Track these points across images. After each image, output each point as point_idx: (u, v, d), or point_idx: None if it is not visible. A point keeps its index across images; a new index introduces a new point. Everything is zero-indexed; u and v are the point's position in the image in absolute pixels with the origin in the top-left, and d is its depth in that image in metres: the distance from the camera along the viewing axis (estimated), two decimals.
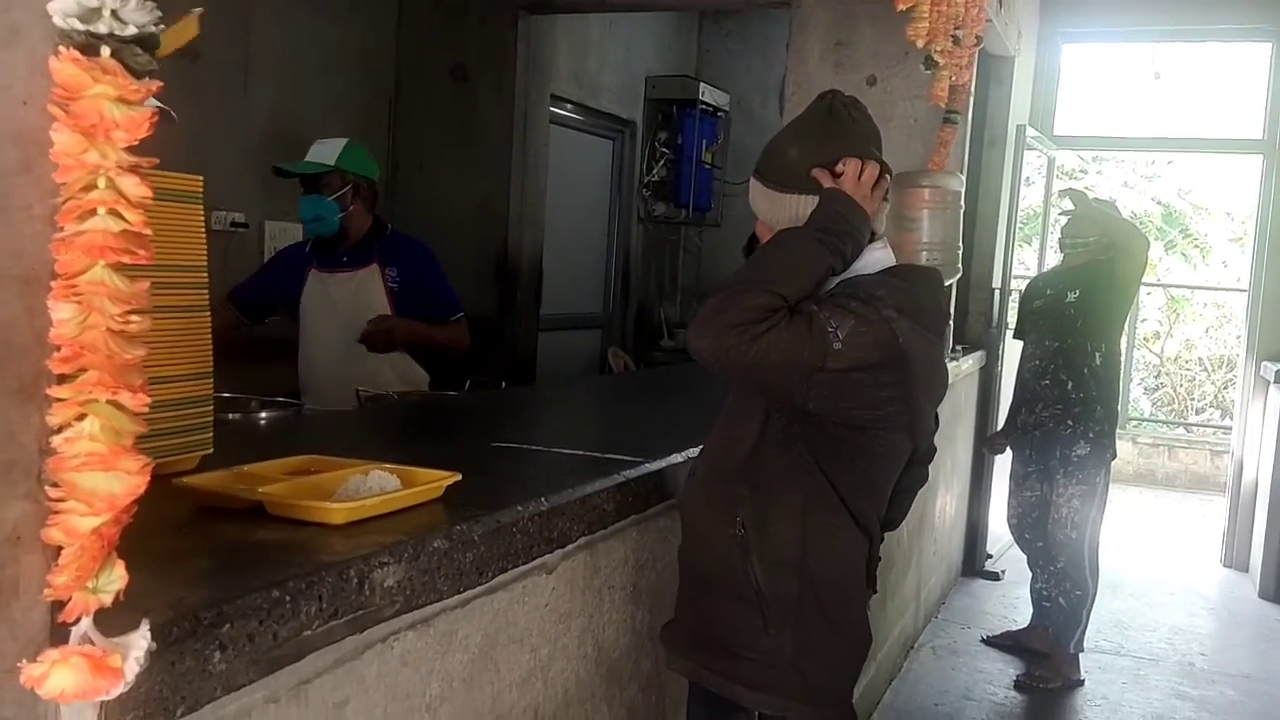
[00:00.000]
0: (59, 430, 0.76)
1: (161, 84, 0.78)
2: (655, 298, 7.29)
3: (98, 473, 0.76)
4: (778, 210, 1.69)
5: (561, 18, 5.55)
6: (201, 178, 1.54)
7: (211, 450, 1.54)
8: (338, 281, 3.24)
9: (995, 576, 5.48)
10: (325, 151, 3.27)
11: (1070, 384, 4.09)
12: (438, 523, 1.30)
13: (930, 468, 4.56)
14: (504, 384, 3.07)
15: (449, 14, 5.27)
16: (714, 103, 6.92)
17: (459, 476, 1.43)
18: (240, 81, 4.61)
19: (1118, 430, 4.23)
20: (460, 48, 5.30)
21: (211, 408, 1.55)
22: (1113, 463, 4.15)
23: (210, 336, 1.55)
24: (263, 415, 2.15)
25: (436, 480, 1.40)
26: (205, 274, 1.53)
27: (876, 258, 1.68)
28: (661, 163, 6.85)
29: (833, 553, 1.65)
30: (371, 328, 3.12)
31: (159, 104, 2.16)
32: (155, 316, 1.45)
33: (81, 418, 0.76)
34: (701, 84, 6.85)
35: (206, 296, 1.54)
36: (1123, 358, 4.34)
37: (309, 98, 4.89)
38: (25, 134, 0.75)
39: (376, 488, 1.33)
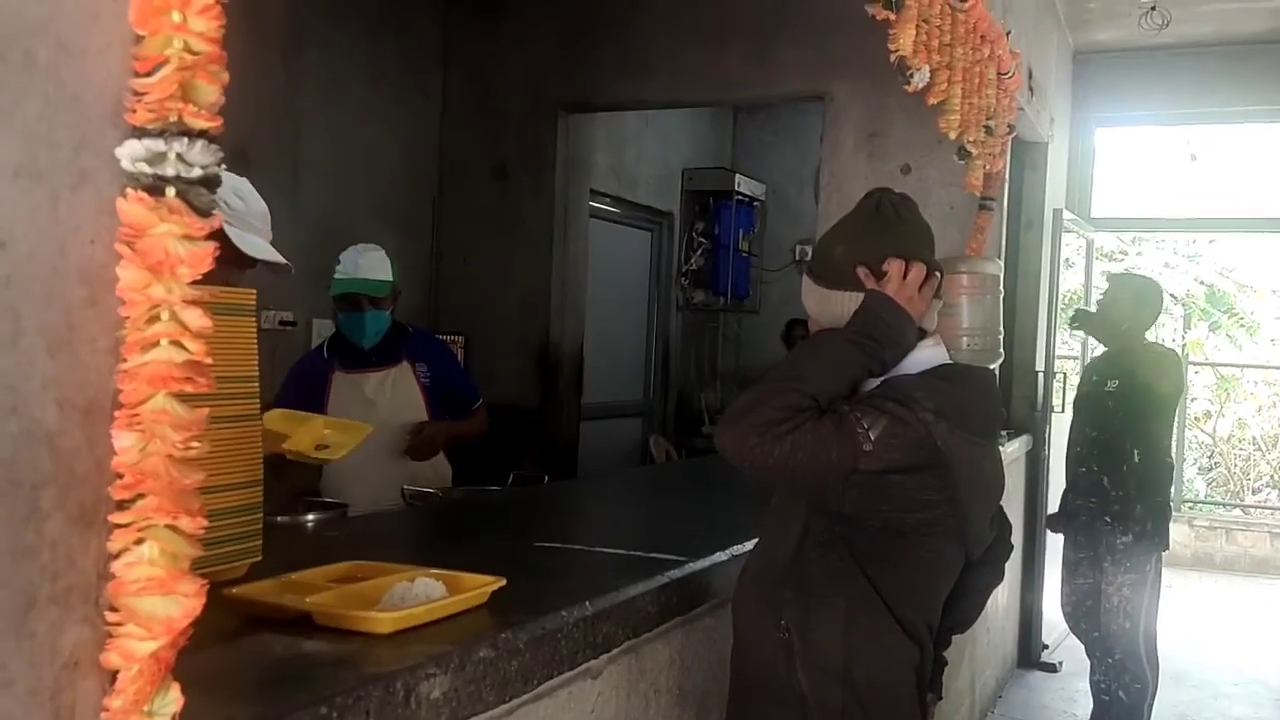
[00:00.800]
0: (118, 555, 0.78)
1: (223, 218, 0.81)
2: (695, 385, 7.31)
3: (156, 597, 0.78)
4: (825, 307, 1.70)
5: (599, 115, 5.69)
6: (255, 291, 1.59)
7: (260, 558, 1.56)
8: (371, 382, 3.27)
9: (1053, 668, 5.32)
10: (376, 264, 3.30)
11: (1106, 480, 4.02)
12: (483, 630, 1.30)
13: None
14: (546, 478, 3.07)
15: (490, 115, 5.43)
16: (749, 193, 7.02)
17: (503, 581, 1.44)
18: (290, 185, 4.77)
19: (1173, 514, 4.14)
20: (501, 147, 5.44)
21: (261, 515, 1.57)
22: (1168, 549, 4.05)
23: (260, 444, 1.58)
24: (309, 518, 2.17)
25: (481, 587, 1.41)
26: (256, 384, 1.57)
27: (926, 356, 1.66)
28: (699, 252, 6.94)
29: (878, 659, 1.61)
30: (415, 440, 3.16)
31: (280, 259, 2.20)
32: (210, 427, 1.49)
33: (140, 542, 0.78)
34: (737, 175, 6.96)
35: (258, 406, 1.57)
36: (1174, 446, 4.23)
37: (355, 198, 5.04)
38: (92, 271, 0.79)
39: (422, 595, 1.34)
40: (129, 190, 0.78)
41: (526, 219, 5.40)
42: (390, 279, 3.28)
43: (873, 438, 1.51)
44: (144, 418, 0.78)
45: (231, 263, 2.27)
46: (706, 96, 5.49)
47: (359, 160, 5.08)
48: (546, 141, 5.39)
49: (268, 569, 1.62)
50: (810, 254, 1.78)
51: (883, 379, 1.62)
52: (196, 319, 0.80)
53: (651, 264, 6.88)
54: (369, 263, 3.29)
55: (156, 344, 0.79)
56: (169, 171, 0.78)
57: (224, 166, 0.82)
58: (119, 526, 0.78)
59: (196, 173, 0.79)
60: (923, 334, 1.67)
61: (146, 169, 0.78)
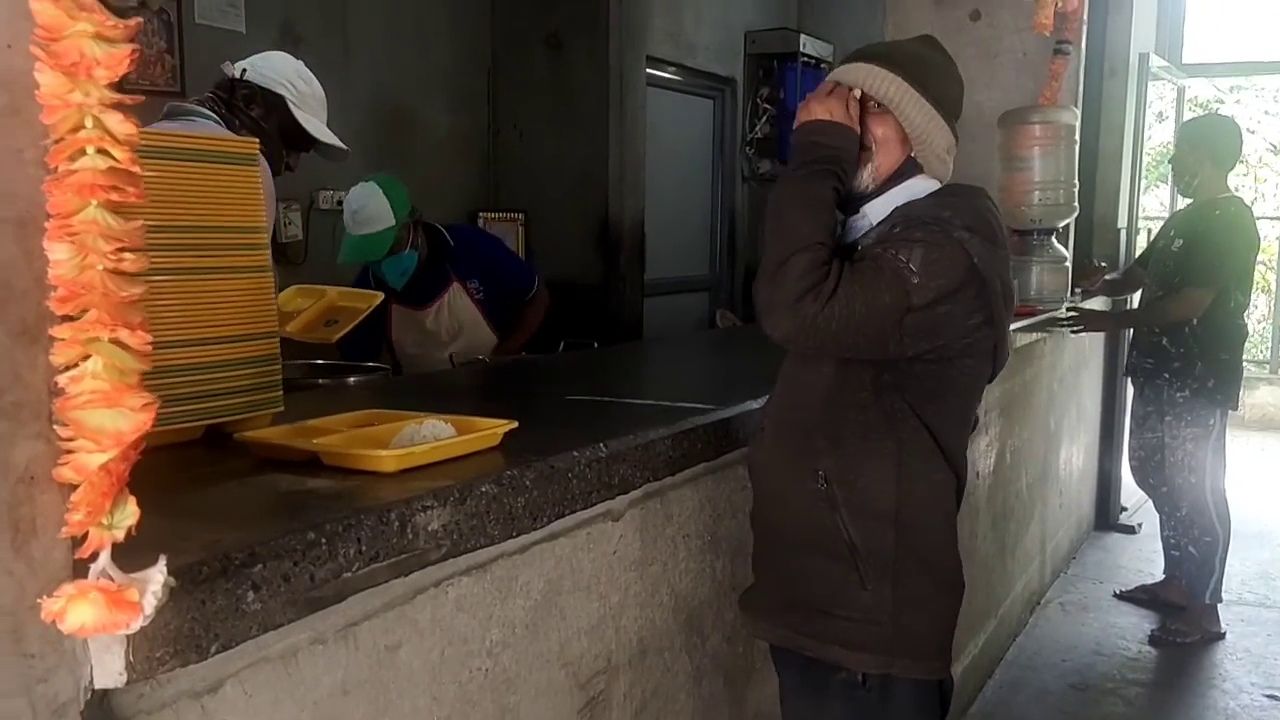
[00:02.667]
0: (65, 370, 0.78)
1: (141, 21, 0.77)
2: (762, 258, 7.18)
3: (103, 410, 0.77)
4: (933, 131, 1.59)
5: None
6: (256, 140, 1.56)
7: (282, 409, 1.57)
8: (429, 315, 3.25)
9: (1131, 530, 5.24)
10: (372, 215, 3.13)
11: (1165, 340, 3.87)
12: (489, 469, 1.29)
13: (1052, 418, 4.38)
14: (596, 344, 3.06)
15: None
16: (816, 54, 6.74)
17: (515, 424, 1.42)
18: (341, 63, 4.72)
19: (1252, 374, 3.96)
20: (553, 14, 5.30)
21: (278, 366, 1.58)
22: (1236, 409, 3.91)
23: (273, 296, 1.58)
24: (351, 379, 2.20)
25: (491, 428, 1.40)
26: (264, 235, 1.56)
27: (924, 184, 1.62)
28: (764, 119, 6.73)
29: (929, 497, 1.58)
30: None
31: (340, 143, 2.19)
32: (216, 277, 1.49)
33: (86, 358, 0.77)
34: (803, 36, 6.68)
35: (267, 257, 1.56)
36: (1246, 310, 3.99)
37: (408, 74, 4.98)
38: (12, 78, 0.76)
39: (430, 436, 1.34)
40: None
41: (581, 90, 5.29)
42: (391, 223, 3.10)
43: (915, 268, 1.46)
44: (76, 228, 0.76)
45: (293, 143, 2.27)
46: None
47: (409, 35, 4.99)
48: (599, 7, 5.23)
49: (296, 419, 1.64)
50: (910, 58, 1.62)
51: (894, 209, 1.57)
52: (120, 124, 0.77)
53: (714, 133, 6.71)
54: (365, 217, 3.13)
55: (83, 152, 0.76)
56: None
57: None
58: (61, 340, 0.77)
59: None
60: (906, 174, 1.62)
61: None
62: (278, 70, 2.28)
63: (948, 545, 1.64)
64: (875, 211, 1.61)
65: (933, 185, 1.63)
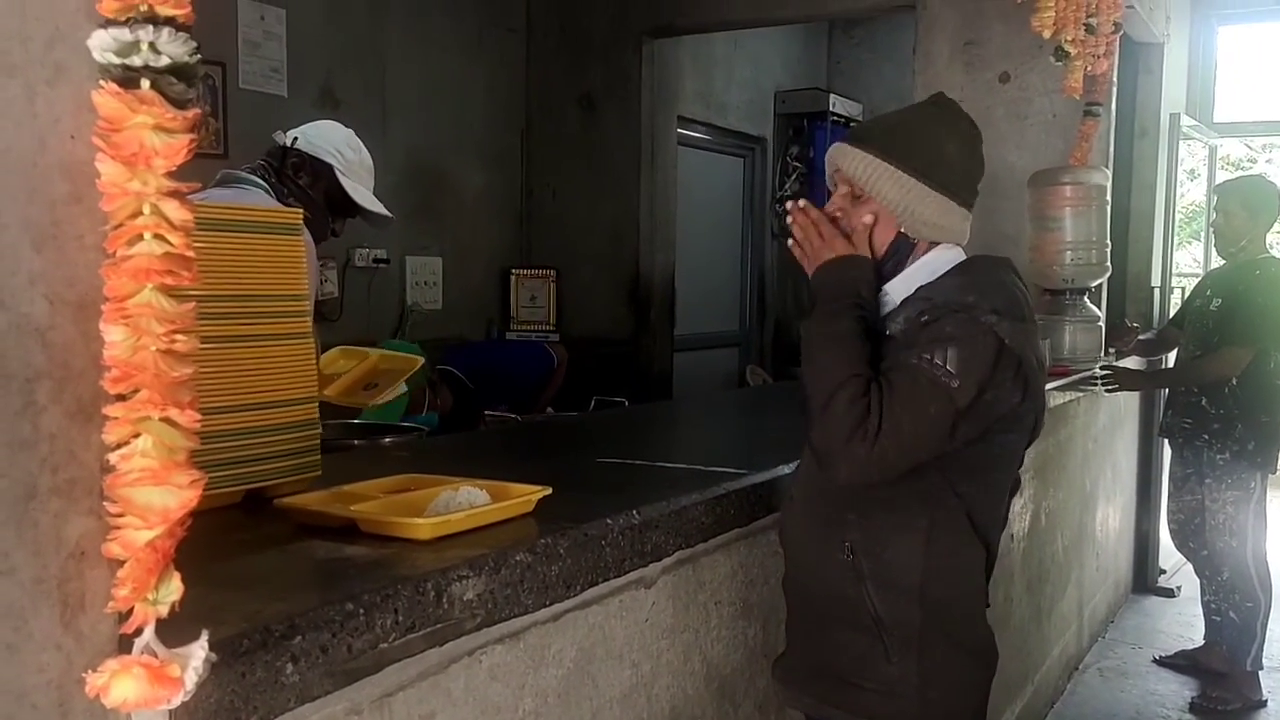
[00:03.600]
0: (116, 448, 0.80)
1: (200, 112, 0.81)
2: (793, 313, 7.20)
3: (151, 488, 0.79)
4: (914, 202, 1.57)
5: (686, 39, 5.58)
6: (301, 211, 1.60)
7: (320, 473, 1.59)
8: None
9: (1169, 593, 5.14)
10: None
11: (1204, 400, 3.82)
12: (524, 537, 1.30)
13: (1088, 479, 4.32)
14: (625, 402, 3.07)
15: (575, 45, 5.38)
16: (846, 113, 6.81)
17: (549, 490, 1.43)
18: (379, 124, 4.82)
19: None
20: (587, 77, 5.39)
21: (318, 431, 1.60)
22: (1276, 472, 3.85)
23: (314, 362, 1.60)
24: (387, 440, 2.22)
25: (525, 496, 1.41)
26: (307, 303, 1.59)
27: (945, 257, 1.60)
28: (794, 176, 6.78)
29: (957, 572, 1.57)
30: None
31: (386, 212, 2.25)
32: (260, 344, 1.52)
33: (136, 436, 0.79)
34: (832, 95, 6.75)
35: (309, 324, 1.59)
36: None
37: (444, 134, 5.07)
38: (74, 166, 0.79)
39: (465, 503, 1.35)
40: (101, 82, 0.78)
41: (614, 150, 5.36)
42: (403, 390, 3.04)
43: (952, 370, 1.44)
44: (130, 311, 0.79)
45: (339, 210, 2.33)
46: (793, 13, 5.31)
47: (445, 96, 5.10)
48: (631, 69, 5.32)
49: (331, 485, 1.65)
50: (885, 132, 1.63)
51: (913, 292, 1.56)
52: (176, 211, 0.80)
53: (744, 191, 6.77)
54: None
55: (140, 238, 0.79)
56: (138, 61, 0.78)
57: (198, 56, 0.81)
58: (114, 419, 0.79)
59: (165, 61, 0.78)
60: (916, 249, 1.61)
61: (116, 59, 0.78)
62: (327, 139, 2.33)
63: (977, 619, 1.62)
64: (897, 291, 1.60)
65: (954, 256, 1.61)
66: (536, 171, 5.52)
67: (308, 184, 2.28)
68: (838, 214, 1.63)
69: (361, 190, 2.32)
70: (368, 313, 4.71)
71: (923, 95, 4.67)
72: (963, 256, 1.63)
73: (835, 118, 6.70)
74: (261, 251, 1.52)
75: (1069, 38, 3.47)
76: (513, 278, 5.42)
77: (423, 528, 1.26)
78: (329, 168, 2.28)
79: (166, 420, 0.80)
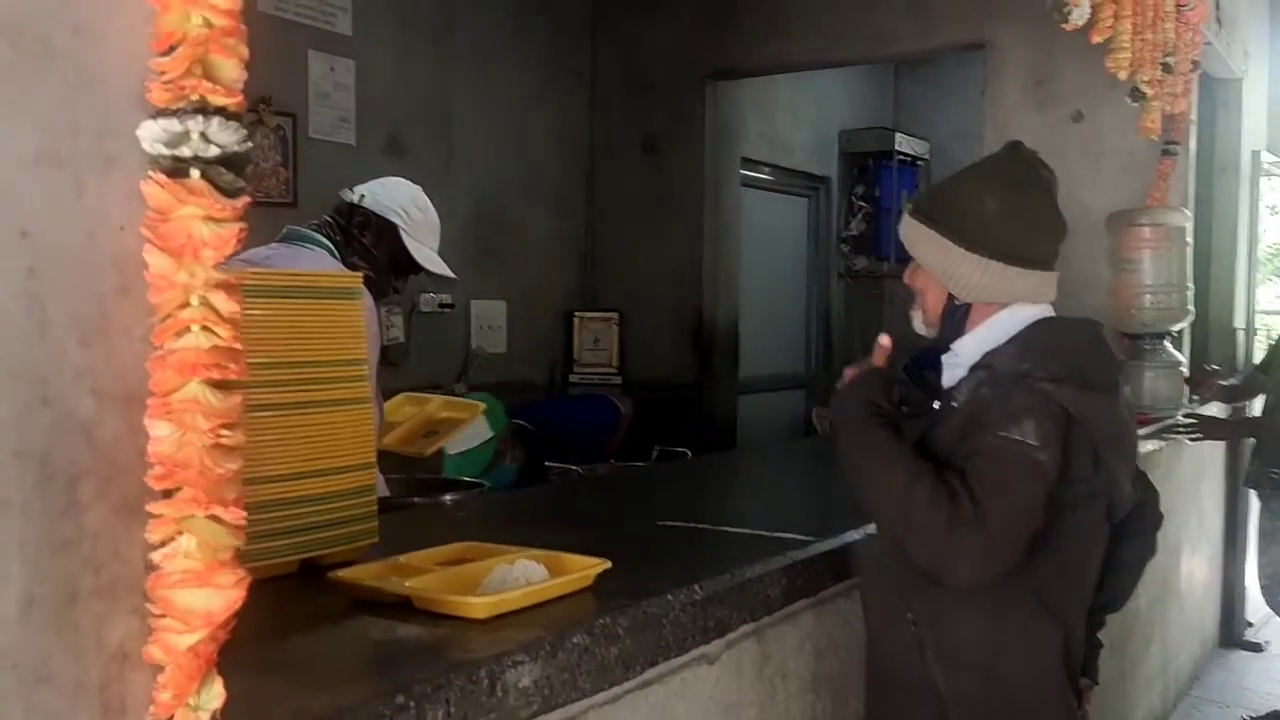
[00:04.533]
0: (159, 546, 0.77)
1: (250, 200, 0.79)
2: (859, 353, 7.08)
3: (194, 590, 0.76)
4: (953, 264, 1.53)
5: (748, 82, 5.56)
6: (361, 275, 1.59)
7: (376, 539, 1.57)
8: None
9: (1257, 648, 4.91)
10: (473, 426, 2.98)
11: None
12: (582, 615, 1.26)
13: (1171, 531, 4.14)
14: (689, 453, 3.02)
15: (638, 89, 5.39)
16: (912, 152, 6.73)
17: (607, 564, 1.39)
18: (444, 171, 4.86)
19: None
20: (650, 120, 5.39)
21: (375, 497, 1.58)
22: None
23: (372, 428, 1.58)
24: (447, 498, 2.19)
25: (583, 570, 1.37)
26: (365, 368, 1.57)
27: (1018, 316, 1.53)
28: (860, 216, 6.71)
29: (1027, 652, 1.49)
30: None
31: (449, 273, 2.25)
32: (318, 411, 1.51)
33: (179, 534, 0.77)
34: (897, 134, 6.68)
35: (367, 389, 1.58)
36: None
37: (508, 179, 5.10)
38: (123, 258, 0.78)
39: (522, 579, 1.31)
40: (151, 173, 0.76)
41: (677, 192, 5.35)
42: (490, 435, 3.26)
43: (1035, 442, 1.38)
44: (175, 406, 0.76)
45: (402, 269, 2.33)
46: (858, 54, 5.26)
47: (510, 142, 5.13)
48: (695, 112, 5.31)
49: (389, 550, 1.63)
50: (934, 196, 1.63)
51: (978, 360, 1.51)
52: (225, 303, 0.77)
53: (809, 231, 6.71)
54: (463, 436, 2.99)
55: (186, 330, 0.77)
56: (187, 152, 0.76)
57: (249, 144, 0.79)
58: (157, 517, 0.77)
59: (215, 151, 0.76)
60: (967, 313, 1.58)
61: (165, 150, 0.76)
62: (393, 197, 2.33)
63: (1052, 699, 1.52)
64: (967, 351, 1.56)
65: (1030, 314, 1.54)
66: (600, 214, 5.53)
67: (372, 242, 2.28)
68: (907, 281, 1.64)
69: (425, 250, 2.31)
70: (432, 357, 4.73)
71: (992, 135, 4.60)
72: (1041, 314, 1.56)
73: (901, 156, 6.62)
74: (320, 317, 1.51)
75: (1145, 78, 3.37)
76: (576, 321, 5.41)
77: (478, 607, 1.22)
78: (393, 227, 2.27)
79: (212, 518, 0.78)
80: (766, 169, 6.12)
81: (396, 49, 4.58)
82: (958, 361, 1.58)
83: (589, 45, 5.54)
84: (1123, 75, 3.22)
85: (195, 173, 0.77)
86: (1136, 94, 3.44)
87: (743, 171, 5.70)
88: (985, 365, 1.50)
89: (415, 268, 2.32)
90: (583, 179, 5.56)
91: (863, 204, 6.69)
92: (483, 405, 2.64)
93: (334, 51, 4.28)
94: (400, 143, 4.62)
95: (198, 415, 0.77)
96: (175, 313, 0.77)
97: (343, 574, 1.34)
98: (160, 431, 0.77)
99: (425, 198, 2.39)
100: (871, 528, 1.83)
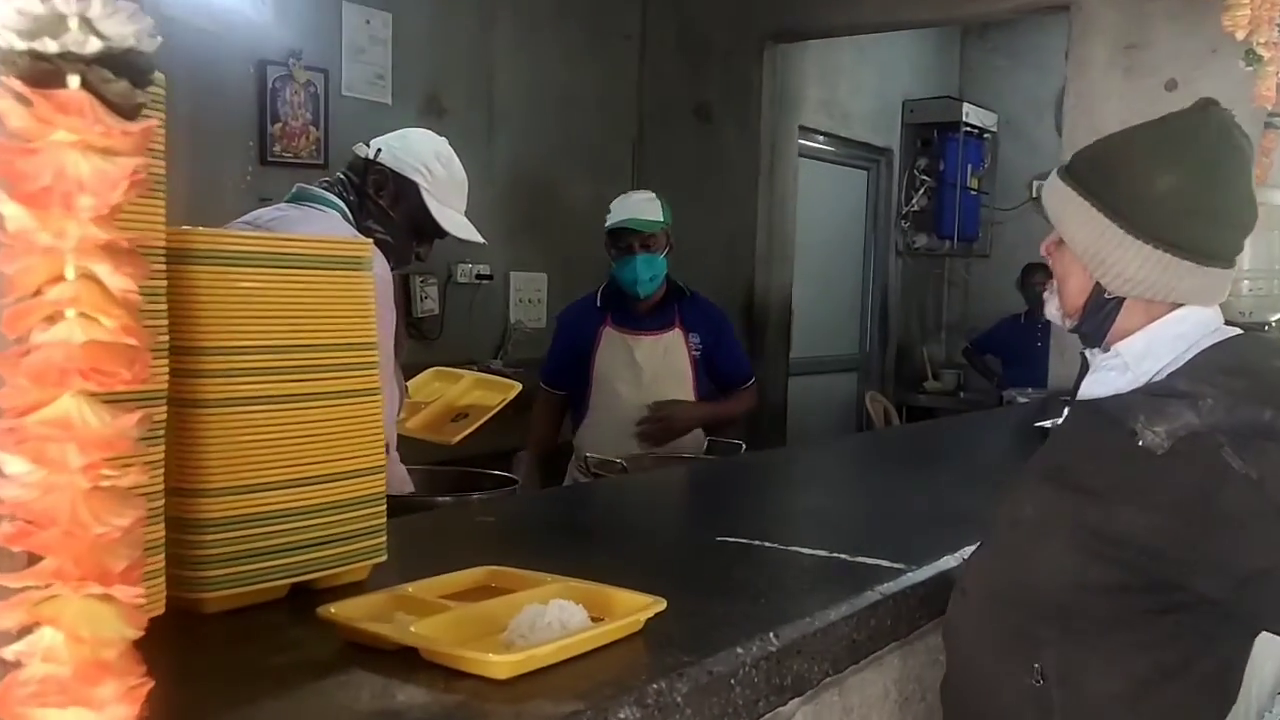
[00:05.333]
0: (14, 639, 0.52)
1: (154, 124, 0.52)
2: (917, 336, 6.76)
3: (55, 711, 0.50)
4: (1108, 249, 1.23)
5: (810, 46, 5.23)
6: (370, 241, 1.33)
7: (385, 557, 1.32)
8: (642, 345, 3.00)
9: None
10: (644, 205, 3.07)
11: None
12: (630, 676, 1.00)
13: None
14: (744, 446, 2.74)
15: (692, 52, 5.08)
16: (979, 123, 6.36)
17: (661, 605, 1.12)
18: (485, 134, 4.60)
19: None
20: (704, 85, 5.10)
21: (384, 507, 1.33)
22: None
23: (382, 424, 1.33)
24: (475, 497, 1.94)
25: (632, 614, 1.10)
26: (375, 352, 1.32)
27: (1192, 323, 1.23)
28: (922, 191, 6.36)
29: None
30: (651, 422, 2.90)
31: (477, 236, 1.99)
32: (318, 405, 1.25)
33: (37, 624, 0.51)
34: (965, 104, 6.31)
35: (377, 378, 1.32)
36: None
37: (551, 145, 4.83)
38: None
39: (556, 624, 1.05)
40: (4, 79, 0.50)
41: (731, 162, 5.05)
42: (660, 219, 3.04)
43: (1256, 475, 1.11)
44: (35, 432, 0.50)
45: (424, 232, 2.06)
46: (927, 15, 4.91)
47: (554, 106, 4.85)
48: (752, 77, 5.00)
49: (401, 564, 1.38)
50: (1091, 162, 1.29)
51: (1160, 378, 1.21)
52: (114, 278, 0.51)
53: (868, 205, 6.37)
54: (635, 203, 3.08)
55: (56, 318, 0.51)
56: (57, 47, 0.50)
57: (155, 40, 0.53)
58: (10, 594, 0.51)
59: (99, 46, 0.50)
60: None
61: (24, 43, 0.50)
62: (414, 152, 2.05)
63: None
64: (1134, 353, 1.24)
65: (1202, 323, 1.24)
66: (648, 184, 5.22)
67: (389, 203, 2.02)
68: (1046, 256, 1.34)
69: (449, 212, 2.05)
70: (469, 331, 4.49)
71: (1075, 105, 4.25)
72: (1219, 325, 1.25)
73: (969, 128, 6.25)
74: (324, 291, 1.26)
75: (1262, 39, 3.02)
76: None
77: (500, 666, 0.96)
78: (414, 185, 2.01)
79: (90, 599, 0.52)
80: (825, 139, 5.80)
81: (436, 2, 4.31)
82: (1118, 364, 1.26)
83: (639, 5, 5.23)
84: (1240, 35, 2.87)
85: (72, 79, 0.51)
86: (1251, 57, 3.08)
87: (800, 141, 5.38)
88: (1184, 392, 1.17)
89: (438, 231, 2.06)
90: (630, 146, 5.26)
91: (925, 178, 6.34)
92: (518, 385, 2.38)
93: (369, 3, 4.02)
94: (439, 102, 4.36)
95: (69, 446, 0.51)
96: (39, 291, 0.51)
97: (336, 610, 1.09)
98: (14, 469, 0.51)
99: (450, 151, 2.12)
100: (967, 551, 1.56)
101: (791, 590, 1.32)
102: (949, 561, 1.51)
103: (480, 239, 2.11)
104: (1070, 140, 4.14)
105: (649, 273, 2.98)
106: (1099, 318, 1.28)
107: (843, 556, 1.50)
